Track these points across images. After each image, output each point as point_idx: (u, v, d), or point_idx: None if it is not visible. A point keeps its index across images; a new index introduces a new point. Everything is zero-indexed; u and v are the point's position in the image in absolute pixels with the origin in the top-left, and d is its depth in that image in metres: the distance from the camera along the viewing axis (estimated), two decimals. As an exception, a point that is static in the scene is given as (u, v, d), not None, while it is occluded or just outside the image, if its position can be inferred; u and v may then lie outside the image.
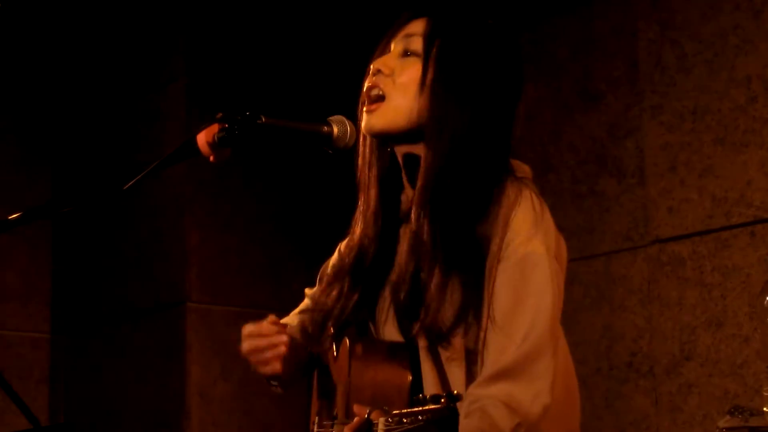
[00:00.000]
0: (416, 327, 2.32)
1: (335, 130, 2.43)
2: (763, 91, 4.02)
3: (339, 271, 2.52)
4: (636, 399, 4.23)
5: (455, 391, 1.94)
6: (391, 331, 2.43)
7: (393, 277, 2.42)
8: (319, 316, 2.52)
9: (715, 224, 4.09)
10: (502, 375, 2.22)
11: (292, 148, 4.89)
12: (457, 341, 2.29)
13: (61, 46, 5.56)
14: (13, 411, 3.49)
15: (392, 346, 2.39)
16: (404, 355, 2.35)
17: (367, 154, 2.49)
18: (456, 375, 2.31)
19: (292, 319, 2.68)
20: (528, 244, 2.29)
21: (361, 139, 2.47)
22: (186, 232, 5.03)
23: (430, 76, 2.36)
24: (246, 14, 5.21)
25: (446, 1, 2.47)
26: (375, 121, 2.40)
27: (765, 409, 3.29)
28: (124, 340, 5.21)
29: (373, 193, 2.48)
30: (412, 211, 2.38)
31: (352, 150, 2.48)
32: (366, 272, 2.47)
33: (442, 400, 1.94)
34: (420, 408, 1.95)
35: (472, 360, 2.31)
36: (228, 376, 4.94)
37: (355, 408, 2.20)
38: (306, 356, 2.61)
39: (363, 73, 2.50)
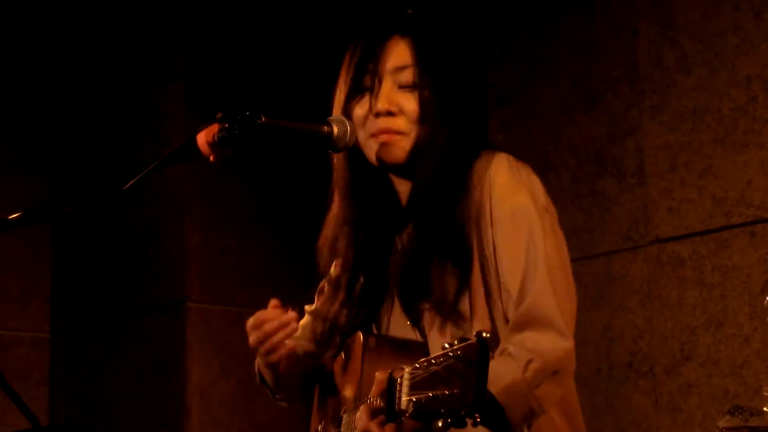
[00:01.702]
0: (424, 305, 2.39)
1: (335, 130, 2.43)
2: (763, 91, 4.02)
3: (338, 282, 2.57)
4: (636, 399, 4.23)
5: (484, 333, 1.91)
6: (396, 328, 2.47)
7: (392, 274, 2.47)
8: (325, 326, 2.56)
9: (715, 224, 4.09)
10: (520, 325, 2.29)
11: (292, 148, 4.89)
12: (468, 321, 2.35)
13: (61, 47, 5.56)
14: (13, 411, 3.49)
15: (404, 340, 2.42)
16: (417, 348, 2.38)
17: (348, 171, 2.54)
18: None
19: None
20: (513, 199, 2.38)
21: (341, 159, 2.53)
22: (186, 232, 5.03)
23: (430, 107, 2.44)
24: (246, 15, 5.21)
25: (423, 17, 2.52)
26: (398, 154, 2.45)
27: (765, 409, 3.29)
28: (124, 340, 5.21)
29: (358, 206, 2.53)
30: (407, 215, 2.46)
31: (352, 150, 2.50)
32: (366, 280, 2.52)
33: (471, 339, 1.90)
34: (448, 349, 1.91)
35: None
36: (228, 376, 4.94)
37: (377, 374, 2.20)
38: (311, 367, 2.63)
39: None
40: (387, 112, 2.43)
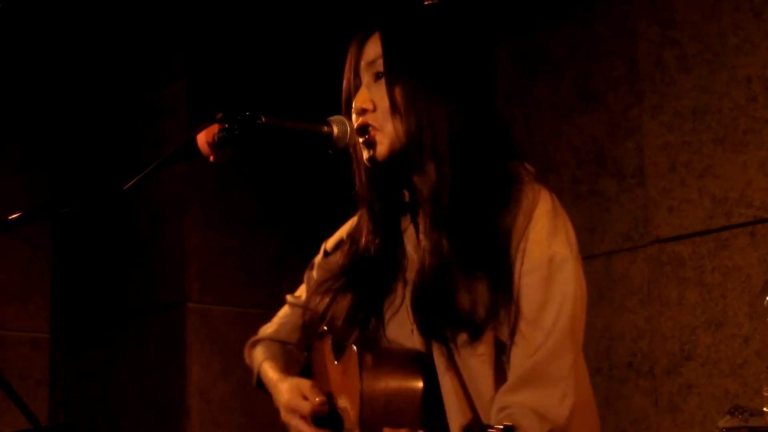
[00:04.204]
0: (445, 325, 2.31)
1: (335, 130, 2.43)
2: (763, 91, 4.02)
3: (336, 274, 2.52)
4: (636, 399, 4.23)
5: (509, 423, 1.86)
6: (397, 331, 2.41)
7: (407, 279, 2.41)
8: (314, 320, 2.52)
9: (715, 224, 4.09)
10: (529, 379, 2.24)
11: (292, 148, 4.89)
12: (488, 338, 2.29)
13: (60, 47, 5.56)
14: (13, 411, 3.49)
15: (402, 353, 2.36)
16: (415, 361, 2.33)
17: (364, 175, 2.48)
18: (482, 373, 2.30)
19: (277, 325, 2.72)
20: (552, 246, 2.32)
21: (355, 165, 2.48)
22: (186, 232, 5.03)
23: (397, 97, 2.38)
24: (245, 15, 5.21)
25: (393, 9, 2.47)
26: (378, 150, 2.40)
27: (765, 409, 3.29)
28: (125, 340, 5.21)
29: (375, 206, 2.47)
30: (425, 221, 2.39)
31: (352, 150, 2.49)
32: (369, 276, 2.46)
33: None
34: None
35: (501, 356, 2.31)
36: (228, 376, 4.94)
37: None
38: (304, 362, 2.62)
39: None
40: (361, 110, 2.40)
